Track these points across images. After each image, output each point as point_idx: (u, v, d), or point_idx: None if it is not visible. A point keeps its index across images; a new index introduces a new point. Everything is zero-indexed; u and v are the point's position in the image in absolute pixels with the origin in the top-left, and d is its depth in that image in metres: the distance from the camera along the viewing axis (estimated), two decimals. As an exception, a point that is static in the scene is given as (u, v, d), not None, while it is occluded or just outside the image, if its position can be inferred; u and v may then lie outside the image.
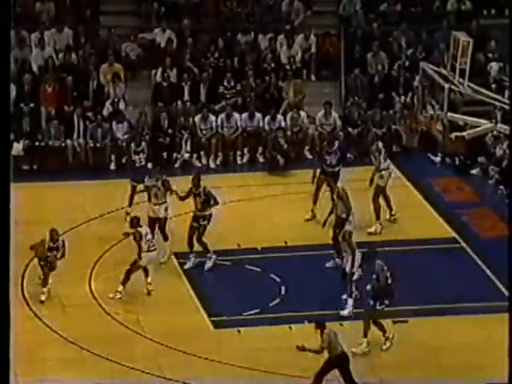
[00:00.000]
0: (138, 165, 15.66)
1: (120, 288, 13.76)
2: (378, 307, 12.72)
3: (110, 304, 13.83)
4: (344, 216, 13.87)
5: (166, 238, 14.76)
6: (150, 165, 15.73)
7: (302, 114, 18.63)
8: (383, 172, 15.27)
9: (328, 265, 14.01)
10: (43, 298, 13.68)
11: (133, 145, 15.78)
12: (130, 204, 15.67)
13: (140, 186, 15.54)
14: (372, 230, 15.27)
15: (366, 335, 12.76)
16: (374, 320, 12.79)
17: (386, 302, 12.69)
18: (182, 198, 14.78)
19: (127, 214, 15.61)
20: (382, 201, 15.56)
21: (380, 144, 15.56)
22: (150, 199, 15.09)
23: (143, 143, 15.82)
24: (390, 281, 12.69)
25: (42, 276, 13.83)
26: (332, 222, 14.45)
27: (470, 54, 15.80)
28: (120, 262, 14.67)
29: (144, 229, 13.93)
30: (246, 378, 12.43)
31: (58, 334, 13.10)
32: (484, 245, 15.33)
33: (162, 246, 14.75)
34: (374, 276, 12.69)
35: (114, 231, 15.49)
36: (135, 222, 13.91)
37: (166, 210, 14.86)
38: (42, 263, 13.87)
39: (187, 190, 14.81)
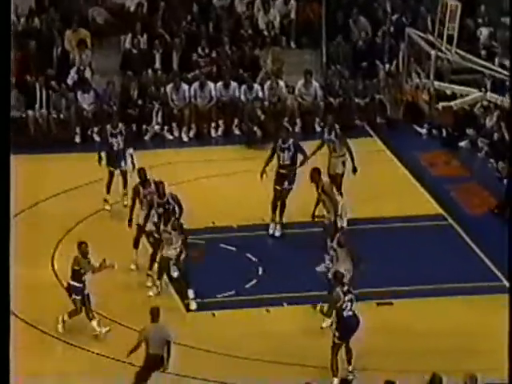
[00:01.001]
0: (115, 148, 15.21)
1: (158, 282, 13.30)
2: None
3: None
4: (330, 215, 13.48)
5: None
6: (131, 150, 15.24)
7: (281, 83, 18.46)
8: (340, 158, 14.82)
9: (318, 269, 13.64)
10: None
11: (109, 126, 15.32)
12: (108, 191, 15.29)
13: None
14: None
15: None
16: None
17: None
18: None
19: (105, 201, 15.30)
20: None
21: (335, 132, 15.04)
22: (125, 186, 14.90)
23: (120, 124, 15.37)
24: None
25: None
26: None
27: (459, 18, 15.66)
28: (86, 241, 14.38)
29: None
30: (222, 364, 12.21)
31: (18, 316, 12.78)
32: (473, 222, 15.17)
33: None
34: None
35: (78, 208, 15.23)
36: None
37: None
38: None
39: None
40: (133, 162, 15.20)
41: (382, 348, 12.34)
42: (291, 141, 14.80)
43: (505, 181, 15.75)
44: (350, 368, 11.93)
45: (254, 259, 14.20)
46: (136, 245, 13.97)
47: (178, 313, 13.18)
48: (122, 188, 15.32)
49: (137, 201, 14.02)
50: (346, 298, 11.71)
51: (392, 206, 15.47)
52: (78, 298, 12.50)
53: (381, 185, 15.92)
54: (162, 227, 13.32)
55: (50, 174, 16.28)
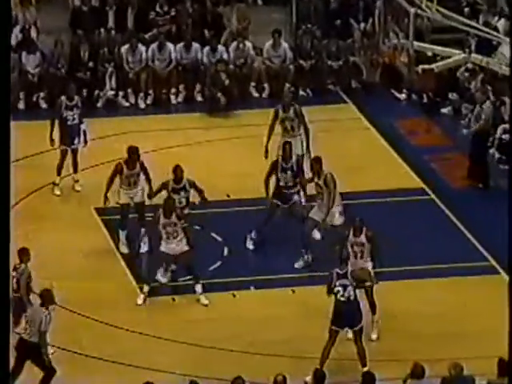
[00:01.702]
0: (69, 123, 14.77)
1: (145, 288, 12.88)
2: None
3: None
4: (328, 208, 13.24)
5: None
6: (84, 125, 14.84)
7: (248, 44, 18.25)
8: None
9: (297, 265, 13.45)
10: None
11: (63, 98, 14.87)
12: (59, 172, 14.89)
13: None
14: None
15: None
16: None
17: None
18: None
19: (54, 184, 14.92)
20: None
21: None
22: (76, 169, 14.68)
23: (76, 97, 14.95)
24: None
25: None
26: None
27: (440, -27, 15.52)
28: (30, 218, 14.16)
29: None
30: (182, 353, 12.05)
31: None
32: (457, 196, 15.07)
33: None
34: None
35: (23, 182, 14.89)
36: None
37: None
38: None
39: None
40: (85, 139, 14.83)
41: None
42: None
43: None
44: (365, 369, 11.46)
45: (218, 239, 14.04)
46: (123, 227, 13.71)
47: (134, 298, 12.94)
48: (73, 171, 14.94)
49: (117, 178, 13.65)
50: (338, 283, 11.53)
51: (368, 179, 15.38)
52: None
53: (356, 156, 15.88)
54: (162, 219, 12.81)
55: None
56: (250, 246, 13.71)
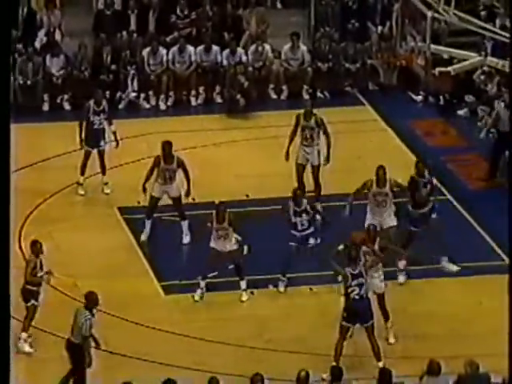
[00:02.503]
0: (96, 126, 14.89)
1: None
2: None
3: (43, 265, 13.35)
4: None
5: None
6: (113, 127, 14.96)
7: (267, 47, 18.31)
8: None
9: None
10: None
11: (91, 103, 14.98)
12: (83, 172, 14.99)
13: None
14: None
15: None
16: None
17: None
18: None
19: (78, 184, 15.02)
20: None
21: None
22: (104, 171, 14.79)
23: (104, 101, 15.08)
24: None
25: None
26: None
27: (457, -23, 15.54)
28: (54, 218, 14.28)
29: None
30: (203, 351, 12.11)
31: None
32: (473, 197, 15.05)
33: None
34: None
35: (47, 183, 15.05)
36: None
37: None
38: None
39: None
40: (116, 139, 14.90)
41: (376, 332, 12.23)
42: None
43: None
44: (381, 364, 11.56)
45: (238, 238, 14.07)
46: (149, 217, 13.85)
47: (156, 296, 13.05)
48: (101, 173, 15.03)
49: (155, 171, 13.82)
50: (354, 283, 11.62)
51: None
52: (37, 303, 12.16)
53: (373, 157, 15.76)
54: (215, 224, 12.96)
55: (16, 144, 15.97)
56: (281, 288, 13.18)
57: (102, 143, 14.93)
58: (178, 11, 18.64)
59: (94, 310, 11.28)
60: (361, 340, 11.93)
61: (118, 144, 14.91)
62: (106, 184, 15.02)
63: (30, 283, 12.10)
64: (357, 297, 11.61)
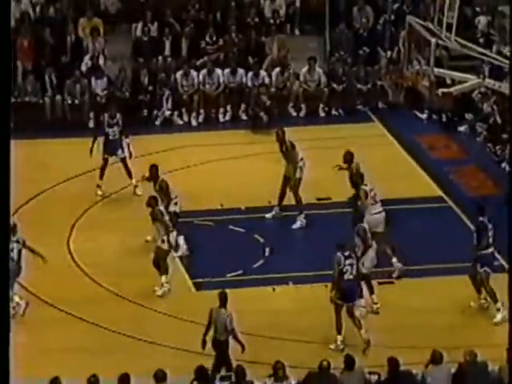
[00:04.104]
0: (111, 137, 15.08)
1: (163, 279, 12.89)
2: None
3: (89, 265, 13.48)
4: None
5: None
6: (127, 140, 15.07)
7: (290, 71, 18.33)
8: (300, 163, 14.50)
9: (294, 226, 13.61)
10: None
11: (106, 116, 15.18)
12: (101, 177, 15.15)
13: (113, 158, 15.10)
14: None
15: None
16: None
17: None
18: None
19: (98, 186, 15.18)
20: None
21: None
22: (130, 175, 14.83)
23: (118, 115, 15.22)
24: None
25: None
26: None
27: (458, 7, 15.52)
28: (99, 222, 14.38)
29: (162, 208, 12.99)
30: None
31: (36, 295, 12.76)
32: (471, 203, 15.02)
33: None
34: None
35: (93, 190, 15.15)
36: (153, 202, 12.93)
37: None
38: None
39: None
40: (129, 151, 15.04)
41: (385, 325, 12.28)
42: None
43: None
44: (363, 330, 11.80)
45: (261, 240, 14.13)
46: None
47: (188, 292, 13.09)
48: (128, 178, 15.09)
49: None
50: (347, 262, 11.72)
51: (393, 188, 15.29)
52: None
53: (382, 168, 15.78)
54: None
55: (65, 157, 16.21)
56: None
57: (119, 152, 15.05)
58: (207, 38, 18.71)
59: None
60: (372, 330, 11.96)
61: (130, 155, 14.98)
62: (136, 187, 15.07)
63: None
64: (351, 276, 11.73)
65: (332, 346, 11.79)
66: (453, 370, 10.64)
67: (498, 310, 12.36)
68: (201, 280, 13.26)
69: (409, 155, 16.69)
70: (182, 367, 10.71)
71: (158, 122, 17.89)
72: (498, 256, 13.00)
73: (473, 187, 15.59)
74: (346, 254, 11.79)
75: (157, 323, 12.46)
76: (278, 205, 14.54)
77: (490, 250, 12.57)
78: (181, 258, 13.58)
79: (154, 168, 13.87)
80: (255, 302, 12.85)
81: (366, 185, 13.41)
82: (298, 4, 19.39)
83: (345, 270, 11.72)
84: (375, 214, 13.26)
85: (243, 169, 15.93)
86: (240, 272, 13.36)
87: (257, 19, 19.05)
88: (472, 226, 13.66)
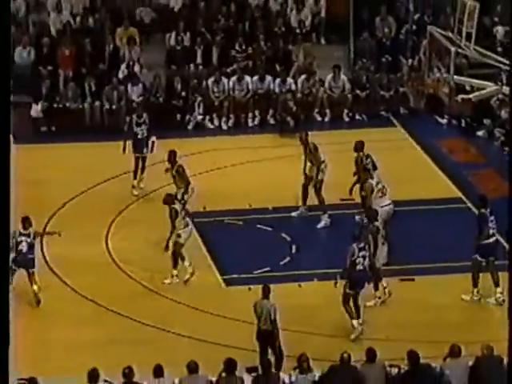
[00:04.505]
0: (139, 136, 15.27)
1: (174, 272, 13.11)
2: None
3: (126, 262, 13.63)
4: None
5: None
6: (153, 138, 15.26)
7: (316, 78, 18.42)
8: (322, 166, 14.59)
9: (319, 226, 13.71)
10: None
11: (134, 116, 15.38)
12: (135, 176, 15.31)
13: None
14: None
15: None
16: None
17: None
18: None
19: (133, 186, 15.34)
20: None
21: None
22: (143, 171, 14.95)
23: (145, 114, 15.42)
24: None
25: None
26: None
27: (477, 17, 15.50)
28: (135, 221, 14.54)
29: (179, 205, 13.14)
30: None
31: (76, 291, 12.92)
32: (489, 205, 14.99)
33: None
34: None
35: (129, 190, 15.32)
36: (170, 200, 13.13)
37: None
38: None
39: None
40: (152, 148, 15.19)
41: (405, 320, 12.32)
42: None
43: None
44: (360, 321, 11.97)
45: (287, 238, 14.21)
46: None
47: (218, 287, 13.20)
48: (140, 173, 15.30)
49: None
50: (360, 254, 11.88)
51: (414, 190, 15.37)
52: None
53: (404, 170, 15.84)
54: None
55: (102, 159, 16.39)
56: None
57: (145, 150, 15.23)
58: (237, 47, 18.81)
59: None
60: (393, 325, 12.00)
61: (152, 151, 15.16)
62: (141, 180, 15.26)
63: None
64: (362, 267, 11.88)
65: (352, 336, 11.79)
66: (470, 363, 10.66)
67: (502, 293, 12.39)
68: (230, 276, 13.35)
69: (429, 158, 16.69)
70: (212, 359, 10.75)
71: (190, 126, 18.01)
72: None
73: (490, 189, 15.56)
74: (361, 245, 11.93)
75: (189, 317, 12.55)
76: (303, 204, 14.63)
77: (491, 240, 12.55)
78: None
79: (172, 153, 14.14)
80: (282, 297, 12.76)
81: (372, 178, 13.52)
82: (323, 14, 19.44)
83: (357, 261, 11.90)
84: (384, 206, 13.31)
85: (271, 170, 16.01)
86: (267, 269, 13.44)
87: (284, 29, 19.14)
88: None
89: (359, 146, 14.12)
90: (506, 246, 13.57)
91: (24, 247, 12.27)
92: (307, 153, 14.57)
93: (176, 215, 12.95)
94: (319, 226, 14.43)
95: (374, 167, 13.97)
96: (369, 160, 14.04)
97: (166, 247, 13.14)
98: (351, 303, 11.97)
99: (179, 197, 13.51)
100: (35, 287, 12.38)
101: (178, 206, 13.12)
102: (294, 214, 14.59)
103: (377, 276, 12.55)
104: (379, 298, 12.64)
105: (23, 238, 12.29)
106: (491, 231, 12.59)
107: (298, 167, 14.98)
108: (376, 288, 12.62)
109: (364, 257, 11.94)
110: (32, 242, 12.37)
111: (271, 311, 11.18)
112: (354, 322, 11.99)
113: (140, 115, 15.40)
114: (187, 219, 13.15)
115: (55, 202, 14.89)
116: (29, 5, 19.07)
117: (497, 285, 12.60)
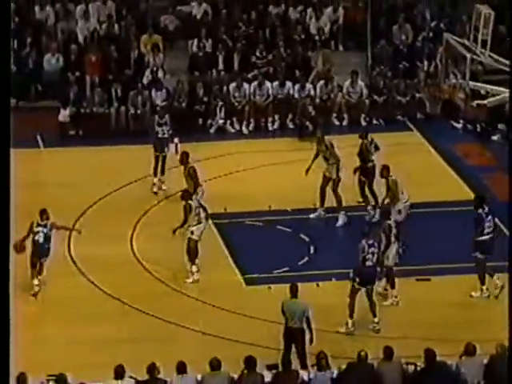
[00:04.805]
0: (160, 136, 15.36)
1: (194, 269, 13.11)
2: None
3: (150, 262, 13.67)
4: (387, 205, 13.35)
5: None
6: (176, 139, 15.28)
7: (334, 83, 18.41)
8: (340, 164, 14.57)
9: (338, 224, 13.77)
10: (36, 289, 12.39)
11: (156, 117, 15.46)
12: (156, 174, 15.36)
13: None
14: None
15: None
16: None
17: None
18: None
19: (154, 184, 15.38)
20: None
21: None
22: (163, 172, 14.96)
23: (166, 116, 15.51)
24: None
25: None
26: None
27: (492, 25, 15.45)
28: (159, 222, 14.54)
29: (194, 202, 13.18)
30: (277, 332, 12.12)
31: (101, 289, 12.97)
32: (503, 207, 14.88)
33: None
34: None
35: (151, 193, 15.36)
36: (187, 196, 13.18)
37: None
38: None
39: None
40: (176, 150, 15.16)
41: (422, 319, 12.26)
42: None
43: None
44: (376, 319, 11.95)
45: (306, 239, 14.20)
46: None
47: (239, 287, 13.21)
48: (160, 173, 15.31)
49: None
50: (370, 250, 11.92)
51: (430, 192, 15.33)
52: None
53: (420, 173, 15.82)
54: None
55: (128, 162, 16.47)
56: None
57: (166, 150, 15.26)
58: (257, 53, 18.87)
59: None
60: (409, 324, 11.94)
61: (176, 152, 15.06)
62: (163, 182, 15.28)
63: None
64: (371, 263, 11.90)
65: (342, 329, 11.79)
66: (485, 362, 10.60)
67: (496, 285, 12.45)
68: (250, 276, 13.34)
69: (445, 162, 16.65)
70: (232, 357, 10.74)
71: (212, 130, 18.05)
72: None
73: (504, 193, 15.43)
74: (370, 242, 11.94)
75: (210, 316, 12.55)
76: (321, 206, 14.61)
77: (486, 237, 12.61)
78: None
79: (184, 154, 14.20)
80: (300, 296, 12.77)
81: (372, 155, 13.95)
82: (341, 22, 19.46)
83: (367, 257, 11.91)
84: (404, 203, 13.42)
85: (290, 173, 15.97)
86: (286, 269, 13.44)
87: (303, 36, 19.19)
88: (503, 226, 13.60)
89: (364, 136, 14.48)
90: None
91: (41, 237, 12.47)
92: (323, 150, 14.52)
93: (190, 210, 12.95)
94: (338, 224, 14.41)
95: (376, 148, 14.39)
96: (372, 145, 14.36)
97: (174, 232, 13.13)
98: (355, 300, 11.87)
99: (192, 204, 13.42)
100: (39, 277, 12.43)
101: (193, 203, 13.12)
102: (312, 215, 14.58)
103: (389, 275, 12.48)
104: (395, 297, 12.58)
105: (40, 229, 12.50)
106: (486, 230, 12.61)
107: (316, 170, 14.94)
108: (392, 287, 12.57)
109: (373, 253, 11.98)
110: (49, 233, 12.54)
111: (306, 310, 11.16)
112: (350, 321, 11.92)
113: (162, 116, 15.49)
114: (202, 217, 13.04)
115: (82, 203, 14.97)
116: (58, 13, 19.20)
117: (483, 283, 12.58)
